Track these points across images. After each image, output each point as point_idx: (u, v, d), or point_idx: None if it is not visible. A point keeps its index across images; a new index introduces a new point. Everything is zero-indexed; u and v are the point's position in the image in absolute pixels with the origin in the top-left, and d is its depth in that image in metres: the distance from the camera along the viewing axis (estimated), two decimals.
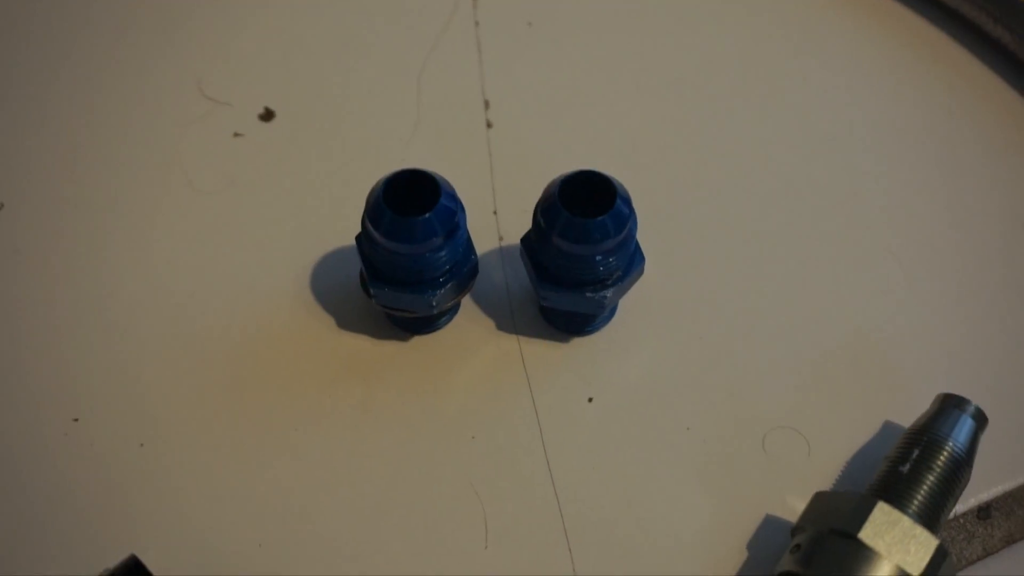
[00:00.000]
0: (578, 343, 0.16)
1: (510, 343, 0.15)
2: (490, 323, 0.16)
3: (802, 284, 0.16)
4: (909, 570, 0.13)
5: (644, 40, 0.20)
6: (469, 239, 0.14)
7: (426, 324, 0.16)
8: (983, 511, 0.14)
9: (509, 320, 0.16)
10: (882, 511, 0.13)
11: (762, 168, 0.18)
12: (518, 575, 0.13)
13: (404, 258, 0.14)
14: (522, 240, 0.15)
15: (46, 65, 0.19)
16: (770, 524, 0.14)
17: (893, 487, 0.14)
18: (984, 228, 0.17)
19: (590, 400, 0.15)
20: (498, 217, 0.17)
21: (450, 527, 0.14)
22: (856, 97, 0.19)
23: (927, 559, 0.13)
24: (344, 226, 0.15)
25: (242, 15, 0.20)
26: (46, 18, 0.20)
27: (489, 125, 0.18)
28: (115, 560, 0.12)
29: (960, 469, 0.14)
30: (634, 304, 0.16)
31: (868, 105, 0.19)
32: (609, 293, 0.14)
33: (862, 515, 0.13)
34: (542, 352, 0.15)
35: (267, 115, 0.18)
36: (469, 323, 0.16)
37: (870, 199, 0.18)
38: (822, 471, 0.14)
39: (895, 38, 0.20)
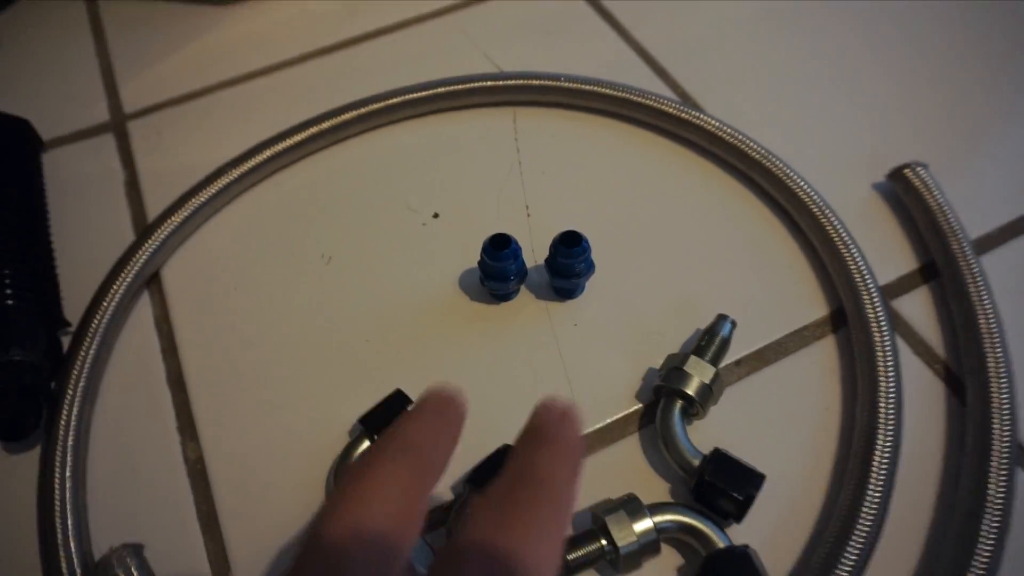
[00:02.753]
0: (569, 303, 0.36)
1: (539, 304, 0.35)
2: (531, 296, 0.36)
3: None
4: (704, 380, 0.32)
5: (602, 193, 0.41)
6: (523, 261, 0.35)
7: (505, 298, 0.36)
8: (737, 363, 0.34)
9: (539, 294, 0.36)
10: (693, 359, 0.33)
11: (626, 241, 0.38)
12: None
13: (497, 268, 0.35)
14: (545, 260, 0.35)
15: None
16: (651, 375, 0.33)
17: (697, 350, 0.33)
18: None
19: (575, 325, 0.35)
20: (534, 253, 0.37)
21: (534, 384, 0.33)
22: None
23: (711, 376, 0.31)
24: (474, 257, 0.35)
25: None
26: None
27: (528, 215, 0.39)
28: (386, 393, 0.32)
29: (726, 344, 0.33)
30: (591, 286, 0.36)
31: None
32: (582, 281, 0.35)
33: (684, 360, 0.33)
34: (553, 307, 0.35)
35: (437, 216, 0.39)
36: (523, 296, 0.36)
37: None
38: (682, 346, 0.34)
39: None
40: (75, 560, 0.27)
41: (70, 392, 0.31)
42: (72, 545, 0.28)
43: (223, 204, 0.39)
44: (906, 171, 0.36)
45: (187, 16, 0.50)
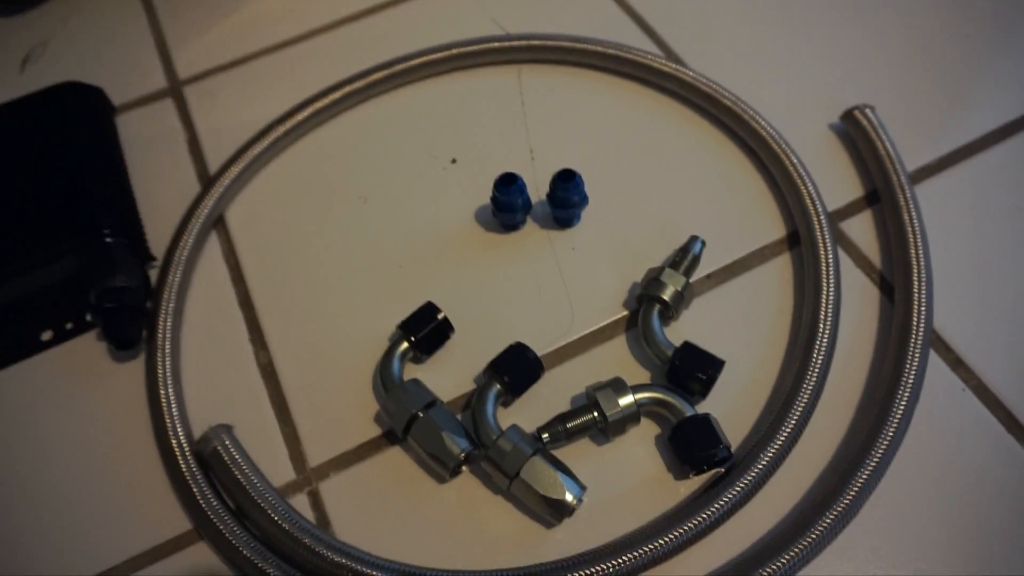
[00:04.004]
0: (567, 231, 0.42)
1: (542, 232, 0.42)
2: (536, 226, 0.42)
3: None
4: (677, 288, 0.38)
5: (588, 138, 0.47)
6: (528, 196, 0.41)
7: (513, 228, 0.42)
8: (708, 276, 0.40)
9: (542, 224, 0.42)
10: (668, 271, 0.39)
11: (616, 178, 0.45)
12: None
13: (505, 202, 0.41)
14: (547, 195, 0.41)
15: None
16: (635, 287, 0.40)
17: (673, 264, 0.39)
18: None
19: (573, 248, 0.42)
20: (538, 191, 0.43)
21: (538, 296, 0.40)
22: None
23: (683, 284, 0.37)
24: (486, 195, 0.42)
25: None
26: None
27: (533, 159, 0.46)
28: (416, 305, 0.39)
29: (696, 260, 0.40)
30: (586, 216, 0.43)
31: None
32: (577, 211, 0.41)
33: (661, 272, 0.39)
34: (554, 234, 0.42)
35: (454, 161, 0.45)
36: (529, 227, 0.42)
37: None
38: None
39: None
40: (181, 438, 0.35)
41: (163, 311, 0.39)
42: (178, 427, 0.35)
43: (273, 156, 0.46)
44: (855, 112, 0.42)
45: None
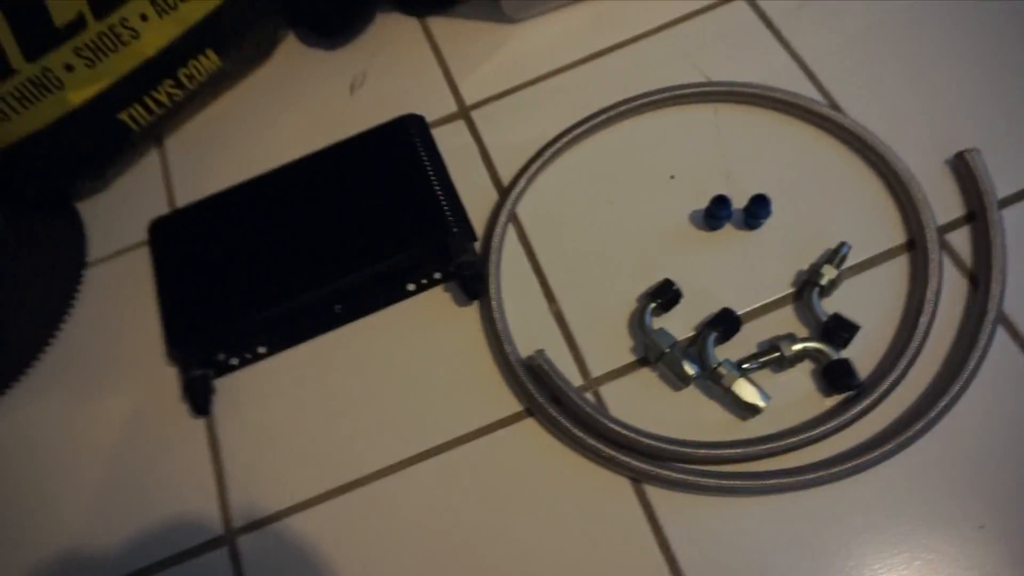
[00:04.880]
0: (754, 232, 0.63)
1: (736, 233, 0.63)
2: (732, 228, 0.63)
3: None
4: (831, 277, 0.59)
5: None
6: (731, 209, 0.62)
7: (716, 228, 0.63)
8: (851, 268, 0.60)
9: (736, 227, 0.63)
10: (826, 265, 0.59)
11: (783, 198, 0.64)
12: None
13: (717, 214, 0.61)
14: (744, 208, 0.62)
15: None
16: (801, 274, 0.60)
17: (829, 259, 0.59)
18: None
19: (757, 243, 0.62)
20: (734, 201, 0.64)
21: (737, 269, 0.62)
22: None
23: (836, 275, 0.59)
24: (696, 202, 0.63)
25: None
26: None
27: (728, 178, 0.66)
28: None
29: (844, 258, 0.60)
30: (767, 225, 0.63)
31: None
32: (763, 221, 0.62)
33: (820, 266, 0.59)
34: (744, 234, 0.63)
35: (673, 177, 0.66)
36: (727, 228, 0.63)
37: None
38: (818, 257, 0.61)
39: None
40: (518, 359, 0.58)
41: (492, 275, 0.62)
42: (515, 347, 0.59)
43: (544, 168, 0.68)
44: (964, 154, 0.61)
45: (489, 30, 0.76)
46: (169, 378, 0.63)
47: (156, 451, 0.60)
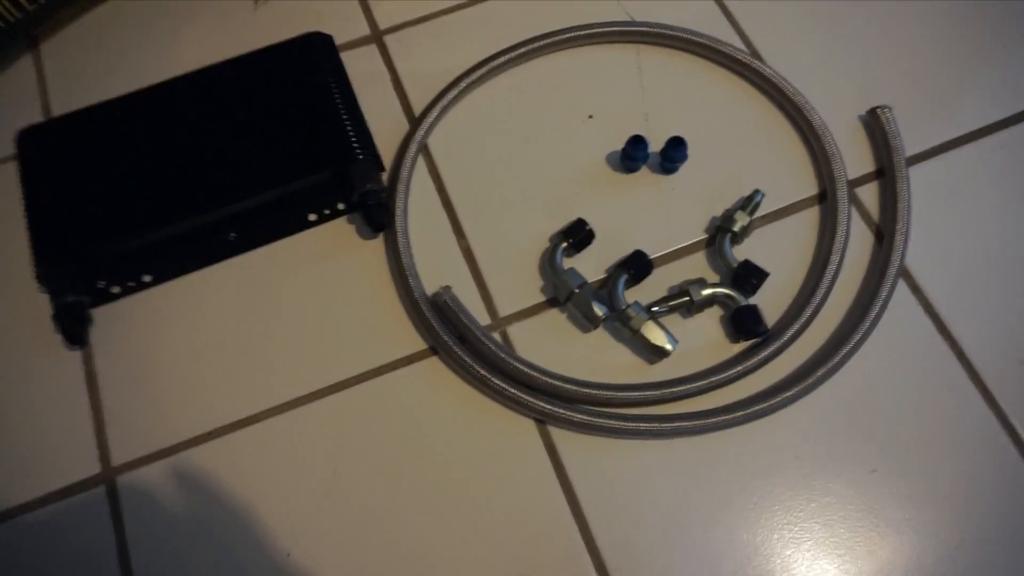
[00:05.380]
0: (671, 176, 0.62)
1: (652, 176, 0.62)
2: (647, 171, 0.62)
3: None
4: (744, 224, 0.58)
5: None
6: (647, 151, 0.61)
7: (633, 171, 0.62)
8: (763, 217, 0.60)
9: (653, 170, 0.62)
10: (739, 212, 0.59)
11: (699, 141, 0.64)
12: None
13: (633, 155, 0.60)
14: (661, 151, 0.61)
15: None
16: (714, 220, 0.60)
17: (742, 206, 0.59)
18: None
19: (672, 189, 0.61)
20: (651, 144, 0.63)
21: (648, 212, 0.60)
22: None
23: (748, 221, 0.59)
24: (613, 143, 0.62)
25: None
26: None
27: (647, 120, 0.64)
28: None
29: (757, 206, 0.59)
30: (683, 168, 0.62)
31: None
32: (679, 164, 0.61)
33: (733, 212, 0.59)
34: (661, 178, 0.62)
35: (591, 117, 0.64)
36: (643, 171, 0.62)
37: None
38: (733, 204, 0.61)
39: None
40: (423, 295, 0.56)
41: (398, 207, 0.59)
42: (420, 283, 0.56)
43: (458, 100, 0.65)
44: (876, 110, 0.61)
45: None
46: (41, 305, 0.58)
47: (24, 383, 0.55)
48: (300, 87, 0.61)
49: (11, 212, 0.60)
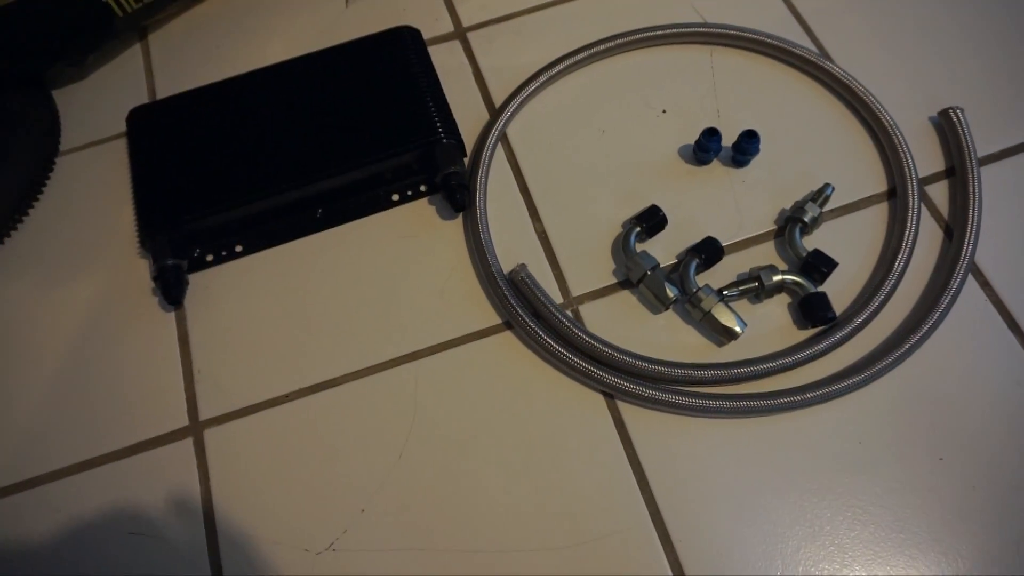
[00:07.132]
0: (742, 170, 0.64)
1: (724, 169, 0.63)
2: (719, 164, 0.64)
3: None
4: (814, 215, 0.60)
5: None
6: (720, 144, 0.63)
7: (705, 164, 0.63)
8: (832, 211, 0.62)
9: (724, 163, 0.63)
10: (809, 203, 0.61)
11: (772, 139, 0.65)
12: None
13: (707, 146, 0.61)
14: (733, 144, 0.62)
15: None
16: (784, 211, 0.62)
17: (813, 198, 0.60)
18: None
19: (743, 182, 0.63)
20: (724, 139, 0.64)
21: (724, 205, 0.62)
22: None
23: (818, 213, 0.60)
24: (686, 137, 0.63)
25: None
26: None
27: (719, 116, 0.67)
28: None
29: (827, 199, 0.61)
30: (755, 162, 0.64)
31: None
32: (751, 158, 0.63)
33: (804, 203, 0.61)
34: (732, 171, 0.63)
35: (664, 112, 0.67)
36: (715, 164, 0.64)
37: None
38: (804, 196, 0.62)
39: None
40: (500, 271, 0.58)
41: (478, 189, 0.61)
42: (497, 260, 0.58)
43: (538, 93, 0.67)
44: (948, 111, 0.62)
45: None
46: (141, 270, 0.62)
47: (124, 340, 0.59)
48: (389, 75, 0.64)
49: (119, 187, 0.64)
